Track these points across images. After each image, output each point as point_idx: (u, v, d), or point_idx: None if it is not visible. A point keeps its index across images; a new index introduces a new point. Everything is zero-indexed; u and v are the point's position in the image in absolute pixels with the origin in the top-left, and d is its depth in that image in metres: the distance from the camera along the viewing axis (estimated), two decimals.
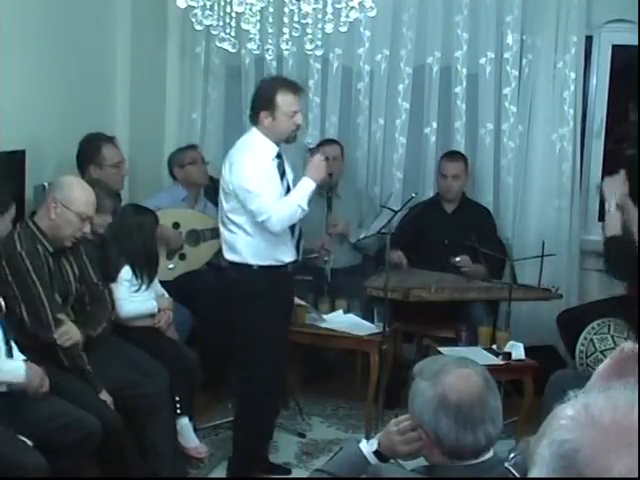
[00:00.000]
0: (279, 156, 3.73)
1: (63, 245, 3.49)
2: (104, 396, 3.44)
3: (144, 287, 3.98)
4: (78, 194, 3.47)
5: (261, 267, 3.68)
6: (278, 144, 3.71)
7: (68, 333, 3.37)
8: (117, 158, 4.39)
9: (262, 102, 3.65)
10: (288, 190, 3.71)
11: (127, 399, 3.52)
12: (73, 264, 3.58)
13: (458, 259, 4.72)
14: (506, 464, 1.92)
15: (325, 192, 4.86)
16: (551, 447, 0.96)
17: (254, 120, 3.70)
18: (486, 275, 4.70)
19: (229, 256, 3.74)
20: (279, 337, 3.77)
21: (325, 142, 5.15)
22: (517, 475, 1.86)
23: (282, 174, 3.73)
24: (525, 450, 1.09)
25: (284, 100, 3.61)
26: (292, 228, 3.73)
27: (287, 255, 3.74)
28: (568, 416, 0.98)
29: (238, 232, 3.68)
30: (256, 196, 3.57)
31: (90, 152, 4.35)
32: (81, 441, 3.13)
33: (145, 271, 3.99)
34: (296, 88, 3.69)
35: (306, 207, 3.64)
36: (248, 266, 3.68)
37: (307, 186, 3.65)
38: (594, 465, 0.91)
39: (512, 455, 1.99)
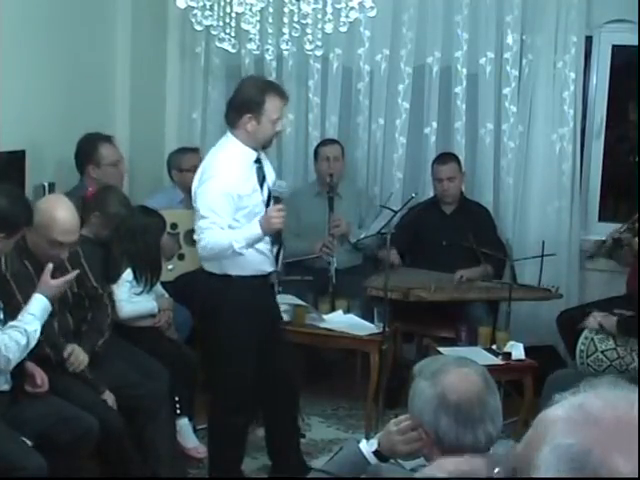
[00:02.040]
0: (258, 161, 3.58)
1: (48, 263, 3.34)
2: (107, 396, 3.44)
3: (146, 290, 3.97)
4: (51, 218, 3.28)
5: (241, 277, 3.53)
6: (256, 149, 3.56)
7: (77, 359, 3.38)
8: (115, 157, 4.39)
9: (248, 104, 3.45)
10: (269, 195, 3.57)
11: (127, 399, 3.52)
12: (69, 270, 3.51)
13: (459, 276, 4.69)
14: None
15: (326, 192, 4.86)
16: (557, 451, 0.96)
17: (232, 123, 3.50)
18: (491, 273, 4.70)
19: (208, 267, 3.58)
20: (251, 350, 3.60)
21: (326, 142, 5.15)
22: None
23: (262, 180, 3.58)
24: (511, 458, 1.08)
25: (272, 105, 3.45)
26: (272, 237, 3.59)
27: (267, 265, 3.61)
28: (564, 418, 0.98)
29: None
30: (201, 217, 3.44)
31: (88, 152, 4.35)
32: (78, 440, 3.12)
33: (147, 274, 3.97)
34: (283, 93, 3.54)
35: (240, 250, 3.41)
36: (227, 276, 3.54)
37: (252, 231, 3.43)
38: (607, 463, 0.91)
39: (496, 470, 1.98)
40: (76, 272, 3.28)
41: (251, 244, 3.45)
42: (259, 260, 3.57)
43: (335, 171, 4.93)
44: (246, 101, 3.47)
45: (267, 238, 3.53)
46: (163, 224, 4.09)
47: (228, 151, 3.53)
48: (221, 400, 3.71)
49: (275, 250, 3.66)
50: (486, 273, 4.72)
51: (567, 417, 0.97)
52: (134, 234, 3.93)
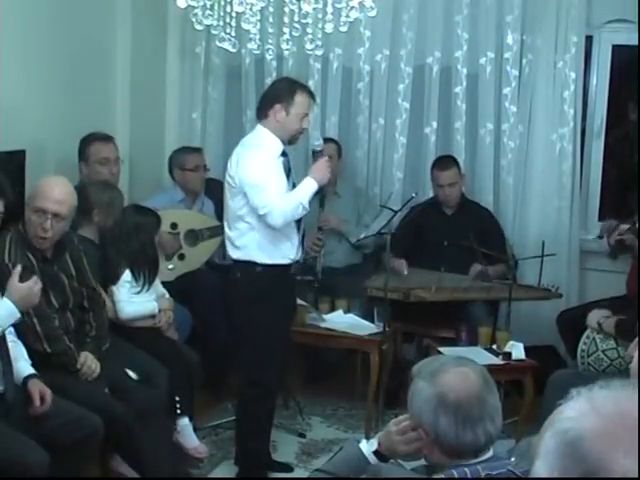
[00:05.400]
0: (284, 154, 3.74)
1: (41, 248, 3.39)
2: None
3: (145, 289, 3.97)
4: (41, 189, 3.38)
5: (265, 267, 3.68)
6: (284, 142, 3.72)
7: (90, 368, 3.41)
8: (103, 154, 4.38)
9: (280, 96, 3.68)
10: (294, 188, 3.73)
11: (126, 400, 3.50)
12: (70, 267, 3.54)
13: (477, 270, 4.70)
14: (509, 467, 1.93)
15: (318, 191, 4.82)
16: (555, 437, 0.98)
17: (263, 114, 3.71)
18: (504, 271, 4.69)
19: (234, 254, 3.75)
20: (281, 338, 3.78)
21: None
22: (517, 473, 1.86)
23: (288, 172, 3.75)
24: (526, 450, 1.12)
25: (302, 99, 3.67)
26: (298, 223, 3.75)
27: (292, 252, 3.75)
28: (572, 408, 1.00)
29: (244, 228, 3.69)
30: (261, 189, 3.59)
31: (81, 150, 4.41)
32: (83, 440, 3.11)
33: (145, 273, 3.97)
34: (312, 94, 3.80)
35: (307, 206, 3.67)
36: (253, 264, 3.68)
37: (310, 186, 3.69)
38: (597, 451, 0.92)
39: (513, 458, 1.99)
40: (39, 282, 3.10)
41: (310, 199, 3.69)
42: (287, 247, 3.73)
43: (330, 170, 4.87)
44: (278, 93, 3.73)
45: (294, 225, 3.71)
46: (157, 222, 4.09)
47: (258, 138, 3.72)
48: (256, 388, 3.76)
49: (300, 236, 3.80)
50: (497, 272, 4.72)
51: (574, 408, 1.00)
52: (129, 233, 3.94)
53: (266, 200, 3.58)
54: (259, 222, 3.64)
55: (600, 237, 4.80)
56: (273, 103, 3.68)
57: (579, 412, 0.98)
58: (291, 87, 3.71)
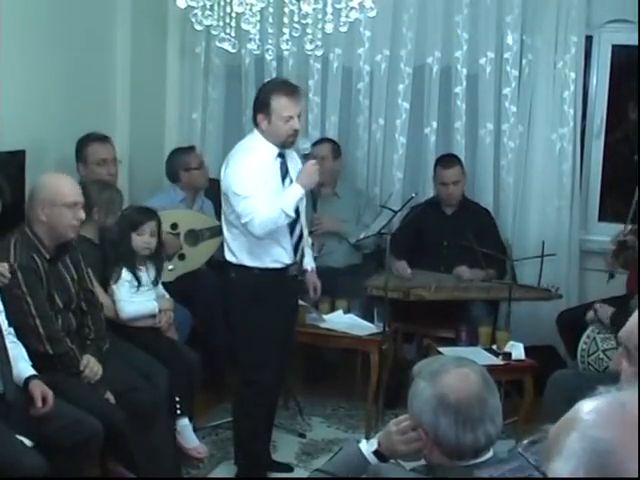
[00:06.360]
0: (281, 155, 3.71)
1: (66, 240, 3.46)
2: (107, 397, 3.44)
3: (146, 288, 3.97)
4: (57, 186, 3.44)
5: (260, 270, 3.66)
6: (278, 146, 3.68)
7: (92, 370, 3.42)
8: (100, 155, 4.38)
9: (259, 105, 3.65)
10: None
11: (126, 402, 3.49)
12: (71, 268, 3.55)
13: (459, 274, 4.70)
14: (519, 449, 1.91)
15: (312, 193, 4.79)
16: (583, 442, 0.95)
17: (254, 121, 3.71)
18: (494, 276, 4.69)
19: (228, 256, 3.75)
20: (278, 338, 3.75)
21: (316, 141, 5.10)
22: (530, 460, 1.85)
23: (284, 174, 3.71)
24: (543, 438, 1.08)
25: (278, 104, 3.59)
26: (291, 228, 3.71)
27: (285, 256, 3.72)
28: (604, 413, 0.97)
29: (235, 233, 3.69)
30: (242, 198, 3.56)
31: (78, 151, 4.41)
32: (82, 443, 3.11)
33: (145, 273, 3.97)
34: (291, 91, 3.64)
35: (291, 213, 3.59)
36: (245, 268, 3.68)
37: (295, 192, 3.62)
38: (623, 462, 0.91)
39: (526, 441, 1.97)
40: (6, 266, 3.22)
41: (295, 205, 3.60)
42: (278, 252, 3.69)
43: (322, 171, 4.79)
44: (257, 102, 3.69)
45: (286, 230, 3.67)
46: (158, 222, 4.08)
47: (251, 143, 3.71)
48: (252, 389, 3.75)
49: (294, 241, 3.75)
50: (488, 277, 4.72)
51: (607, 413, 0.96)
52: (128, 234, 3.94)
53: (248, 209, 3.55)
54: (244, 228, 3.63)
55: (611, 275, 4.68)
56: (256, 113, 3.66)
57: (612, 420, 0.95)
58: (267, 94, 3.62)
